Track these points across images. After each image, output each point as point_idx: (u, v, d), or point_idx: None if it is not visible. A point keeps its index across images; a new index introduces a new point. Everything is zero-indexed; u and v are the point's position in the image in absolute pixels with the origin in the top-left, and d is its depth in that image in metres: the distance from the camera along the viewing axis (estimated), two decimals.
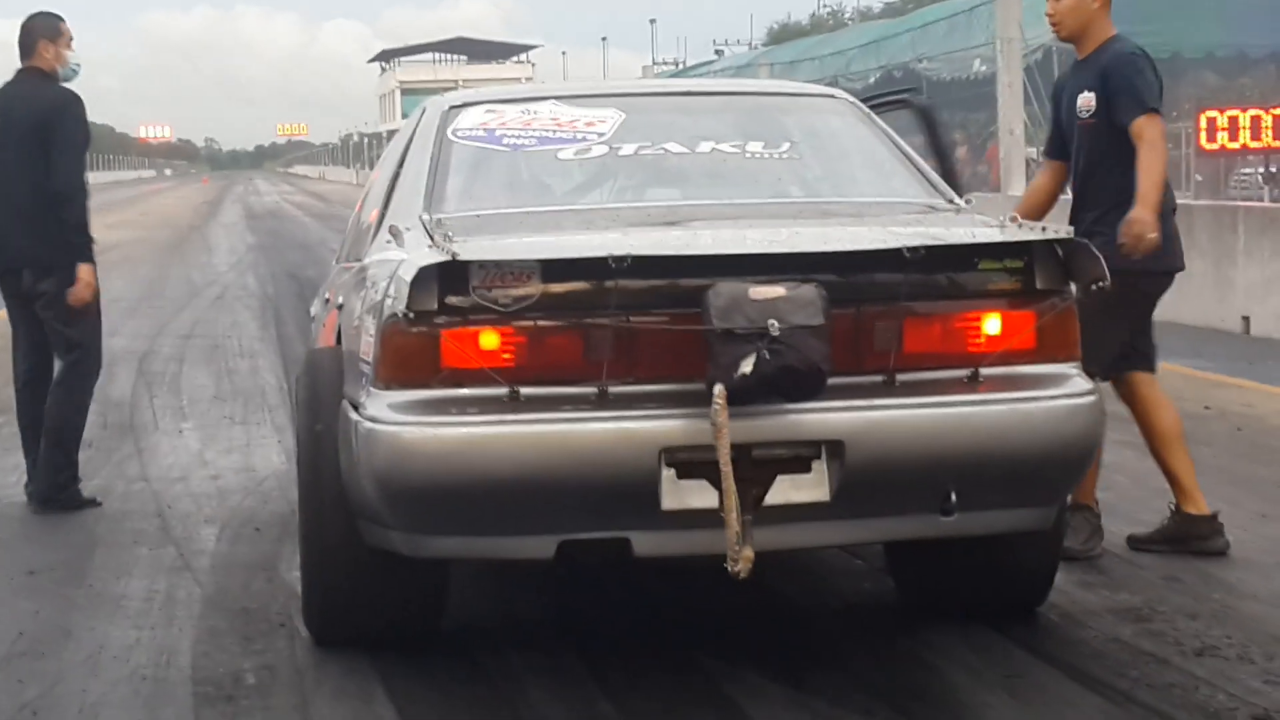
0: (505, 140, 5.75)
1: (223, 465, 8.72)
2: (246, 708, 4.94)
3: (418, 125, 6.04)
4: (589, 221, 5.26)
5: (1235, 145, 22.38)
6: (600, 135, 5.73)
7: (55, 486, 7.65)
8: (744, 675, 5.11)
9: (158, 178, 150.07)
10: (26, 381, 7.84)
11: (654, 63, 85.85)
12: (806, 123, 6.10)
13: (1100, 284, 4.90)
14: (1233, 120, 22.16)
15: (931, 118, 6.83)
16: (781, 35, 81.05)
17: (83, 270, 7.56)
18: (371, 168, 8.13)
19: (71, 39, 7.87)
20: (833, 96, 6.39)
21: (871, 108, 6.38)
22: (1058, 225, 4.84)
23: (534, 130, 5.77)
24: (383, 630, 5.32)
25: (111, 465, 8.48)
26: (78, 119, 7.70)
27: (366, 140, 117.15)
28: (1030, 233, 4.81)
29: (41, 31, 7.76)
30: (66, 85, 7.83)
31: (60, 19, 7.88)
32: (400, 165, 5.89)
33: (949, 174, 6.67)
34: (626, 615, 5.90)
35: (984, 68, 29.82)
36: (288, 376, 11.73)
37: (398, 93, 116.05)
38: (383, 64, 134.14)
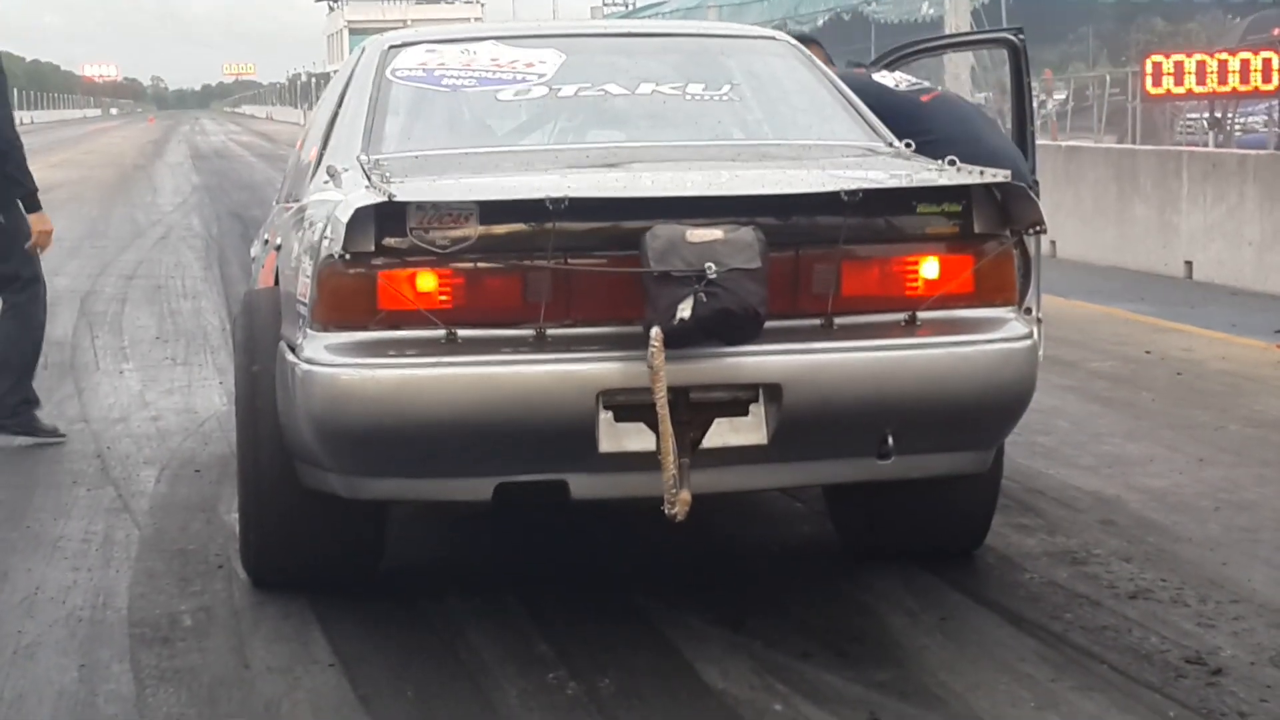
0: (444, 81, 5.71)
1: (163, 406, 8.68)
2: (183, 649, 4.93)
3: (357, 65, 6.00)
4: (528, 163, 5.23)
5: (1181, 90, 22.42)
6: (540, 76, 5.70)
7: (4, 410, 7.68)
8: (683, 618, 5.13)
9: (103, 117, 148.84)
10: None
11: (604, 3, 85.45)
12: (747, 65, 6.08)
13: (1038, 228, 4.92)
14: (1178, 65, 22.20)
15: (1025, 61, 6.87)
16: None
17: (36, 219, 7.69)
18: None
19: None
20: (774, 39, 6.37)
21: (971, 44, 6.50)
22: (995, 170, 4.84)
23: (473, 71, 5.73)
24: (321, 572, 5.31)
25: (51, 405, 8.42)
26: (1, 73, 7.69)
27: (314, 80, 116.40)
28: (968, 177, 4.81)
29: None
30: None
31: None
32: (339, 105, 5.85)
33: (1024, 116, 6.76)
34: (565, 558, 5.90)
35: (932, 10, 29.84)
36: (230, 318, 11.66)
37: (345, 32, 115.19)
38: (331, 4, 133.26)
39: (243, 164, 40.75)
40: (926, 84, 6.69)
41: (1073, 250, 15.69)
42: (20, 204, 7.71)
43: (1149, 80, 22.67)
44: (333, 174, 5.15)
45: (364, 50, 6.11)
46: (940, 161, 5.02)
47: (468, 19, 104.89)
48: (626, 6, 79.72)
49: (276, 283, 5.42)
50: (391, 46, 5.93)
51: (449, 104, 5.72)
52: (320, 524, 5.14)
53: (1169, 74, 22.14)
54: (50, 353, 10.01)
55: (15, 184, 7.65)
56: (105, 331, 11.47)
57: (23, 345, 7.82)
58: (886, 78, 6.57)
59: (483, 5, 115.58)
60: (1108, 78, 33.29)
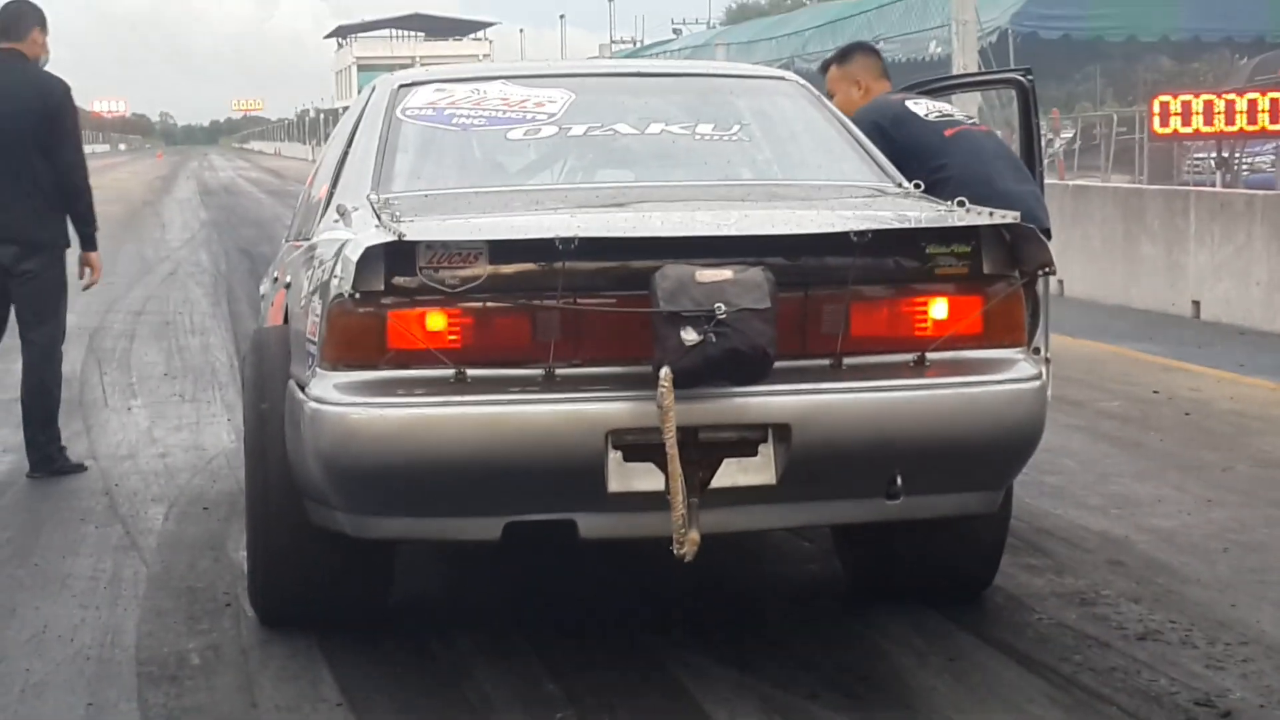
0: (454, 120, 5.73)
1: (171, 443, 8.68)
2: (191, 688, 4.92)
3: (367, 103, 6.02)
4: (537, 202, 5.24)
5: (1188, 130, 22.46)
6: (550, 115, 5.72)
7: (45, 460, 7.83)
8: (690, 658, 5.12)
9: (112, 152, 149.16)
10: None
11: (611, 41, 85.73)
12: (757, 105, 6.09)
13: (1047, 269, 4.92)
14: (1186, 105, 22.24)
15: (1034, 101, 6.90)
16: (739, 15, 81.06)
17: (93, 259, 8.06)
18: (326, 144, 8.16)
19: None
20: (783, 79, 6.38)
21: (979, 85, 6.53)
22: (1004, 211, 4.85)
23: (483, 110, 5.75)
24: (329, 611, 5.31)
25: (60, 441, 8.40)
26: (74, 110, 7.89)
27: (323, 116, 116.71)
28: (977, 218, 4.82)
29: (36, 19, 7.87)
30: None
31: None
32: (349, 144, 5.87)
33: (1033, 157, 6.78)
34: (573, 597, 5.90)
35: (940, 50, 29.91)
36: (239, 354, 11.66)
37: (354, 69, 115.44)
38: (339, 40, 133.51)
39: (251, 200, 40.82)
40: (957, 116, 6.65)
41: (1080, 289, 15.69)
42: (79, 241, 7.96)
43: (1156, 120, 22.72)
44: (343, 213, 5.16)
45: (374, 89, 6.13)
46: (950, 202, 5.02)
47: (476, 56, 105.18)
48: (634, 44, 80.00)
49: (286, 321, 5.43)
50: (401, 85, 5.95)
51: (459, 143, 5.73)
52: (328, 562, 5.13)
53: (1176, 114, 22.18)
54: None
55: (83, 223, 7.90)
56: (114, 368, 11.48)
57: (53, 389, 7.94)
58: (919, 104, 6.58)
59: (491, 42, 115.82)
60: (1115, 117, 33.36)
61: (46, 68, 7.98)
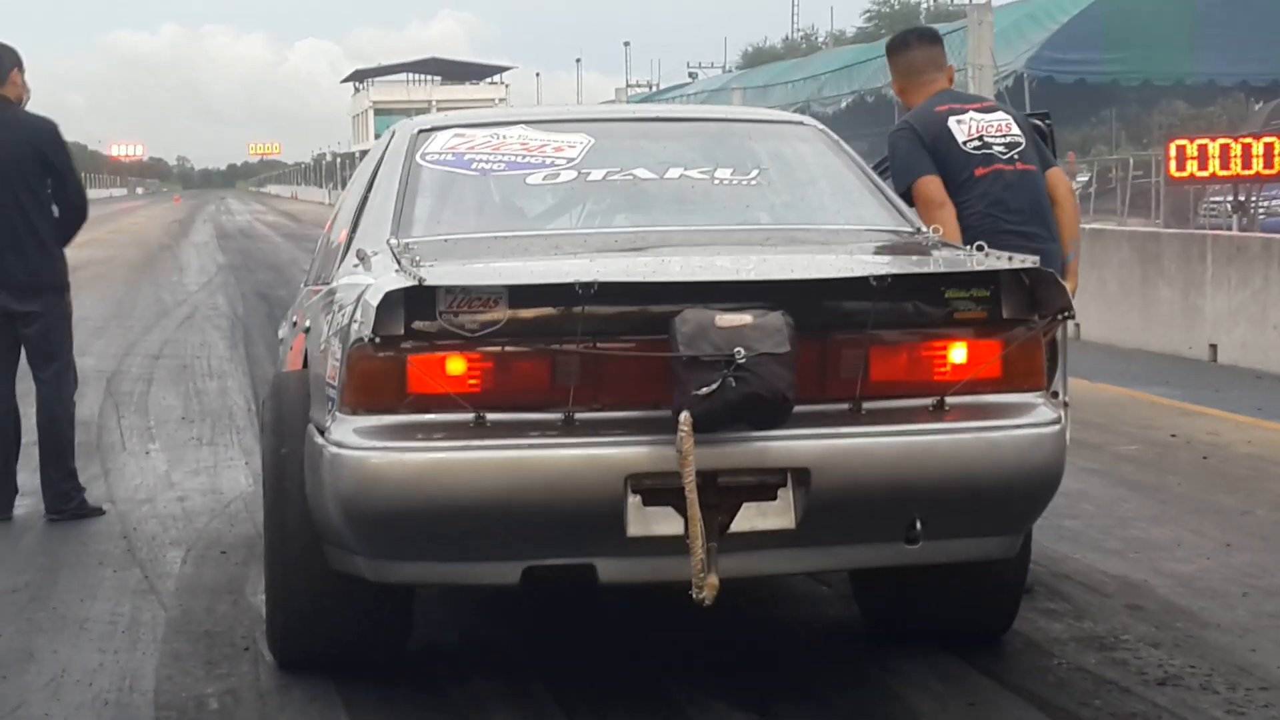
0: (474, 165, 5.75)
1: (189, 487, 8.69)
2: None
3: (387, 148, 6.04)
4: (557, 247, 5.25)
5: (1204, 174, 22.47)
6: (569, 160, 5.74)
7: (61, 498, 7.86)
8: (710, 702, 5.11)
9: (129, 196, 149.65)
10: None
11: (627, 85, 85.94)
12: (775, 149, 6.11)
13: (1066, 314, 4.92)
14: (1202, 149, 22.24)
15: (1053, 146, 6.81)
16: (755, 58, 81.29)
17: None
18: (344, 188, 8.19)
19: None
20: (801, 123, 6.40)
21: None
22: (1024, 255, 4.85)
23: (503, 155, 5.77)
24: (347, 655, 5.31)
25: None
26: (65, 145, 7.97)
27: (339, 160, 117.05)
28: (997, 262, 4.82)
29: (13, 61, 7.91)
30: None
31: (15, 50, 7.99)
32: (369, 188, 5.89)
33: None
34: (592, 641, 5.89)
35: None
36: (256, 398, 11.69)
37: (371, 113, 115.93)
38: (356, 84, 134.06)
39: (268, 244, 40.93)
40: (997, 148, 6.42)
41: (1097, 333, 15.67)
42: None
43: (1173, 164, 22.72)
44: (362, 257, 5.18)
45: (394, 134, 6.16)
46: (969, 246, 5.03)
47: (492, 100, 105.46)
48: (651, 88, 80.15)
49: (305, 365, 5.44)
50: (421, 130, 5.97)
51: (478, 188, 5.76)
52: (347, 607, 5.13)
53: (1192, 158, 22.19)
54: (77, 433, 10.05)
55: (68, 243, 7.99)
56: (131, 412, 11.50)
57: (65, 429, 7.96)
58: (963, 124, 6.43)
59: (507, 86, 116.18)
60: (1131, 160, 33.38)
61: (29, 106, 8.04)
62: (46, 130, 7.85)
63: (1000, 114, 6.51)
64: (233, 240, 43.12)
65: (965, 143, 6.33)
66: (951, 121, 6.40)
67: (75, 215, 7.95)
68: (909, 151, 6.31)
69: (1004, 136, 6.39)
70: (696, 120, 6.80)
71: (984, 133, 6.37)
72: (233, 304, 21.09)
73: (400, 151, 5.86)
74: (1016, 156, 6.36)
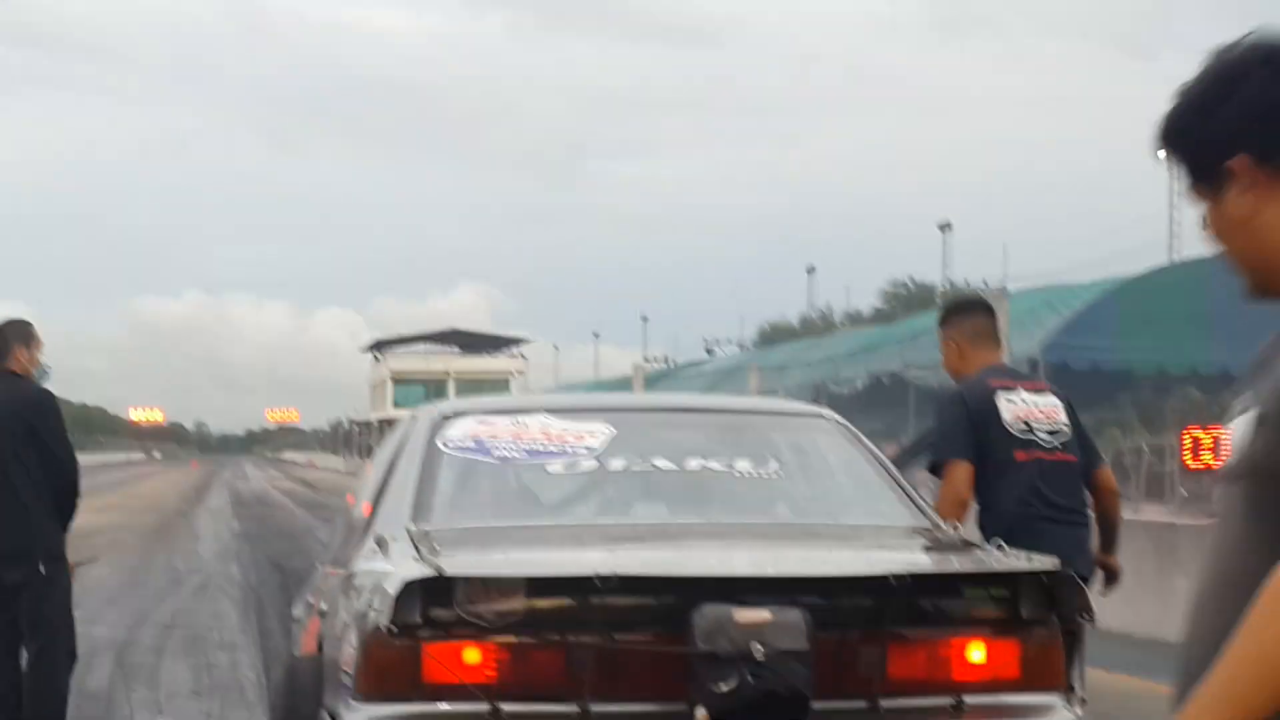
0: (495, 452, 5.78)
1: None
2: None
3: (409, 432, 6.09)
4: (576, 538, 5.27)
5: (1219, 463, 22.49)
6: (590, 449, 5.77)
7: None
8: None
9: (147, 460, 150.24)
10: None
11: (645, 360, 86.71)
12: (794, 441, 6.15)
13: (1085, 615, 4.91)
14: (1216, 438, 22.31)
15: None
16: (772, 335, 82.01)
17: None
18: (361, 455, 8.27)
19: (41, 344, 8.12)
20: (820, 415, 6.45)
21: None
22: (1044, 556, 4.86)
23: (524, 443, 5.81)
24: None
25: None
26: (58, 414, 8.05)
27: (356, 428, 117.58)
28: (1016, 562, 4.83)
29: (16, 336, 8.00)
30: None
31: (30, 325, 8.12)
32: (389, 472, 5.92)
33: None
34: None
35: None
36: (268, 672, 11.60)
37: (389, 382, 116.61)
38: (375, 353, 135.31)
39: (283, 511, 40.95)
40: (1041, 433, 6.42)
41: (1113, 622, 15.53)
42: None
43: (1189, 454, 22.77)
44: (381, 543, 5.19)
45: (416, 418, 6.21)
46: (989, 543, 5.04)
47: (510, 372, 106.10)
48: (668, 363, 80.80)
49: (319, 649, 5.42)
50: (444, 416, 6.02)
51: (498, 476, 5.78)
52: None
53: (1208, 448, 22.24)
54: (85, 705, 9.98)
55: (70, 511, 7.97)
56: (141, 685, 11.40)
57: (50, 706, 7.80)
58: (1012, 402, 6.43)
59: (525, 359, 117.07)
60: (1145, 447, 33.45)
61: (47, 378, 8.16)
62: (35, 401, 7.94)
63: (1050, 398, 6.55)
64: (248, 507, 43.15)
65: (1010, 423, 6.36)
66: (1001, 398, 6.43)
67: (64, 486, 7.90)
68: (953, 427, 6.37)
69: (1049, 423, 6.42)
70: (716, 411, 6.86)
71: (1030, 417, 6.40)
72: (246, 573, 21.03)
73: (422, 436, 5.90)
74: (1059, 445, 6.38)
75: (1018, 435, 6.34)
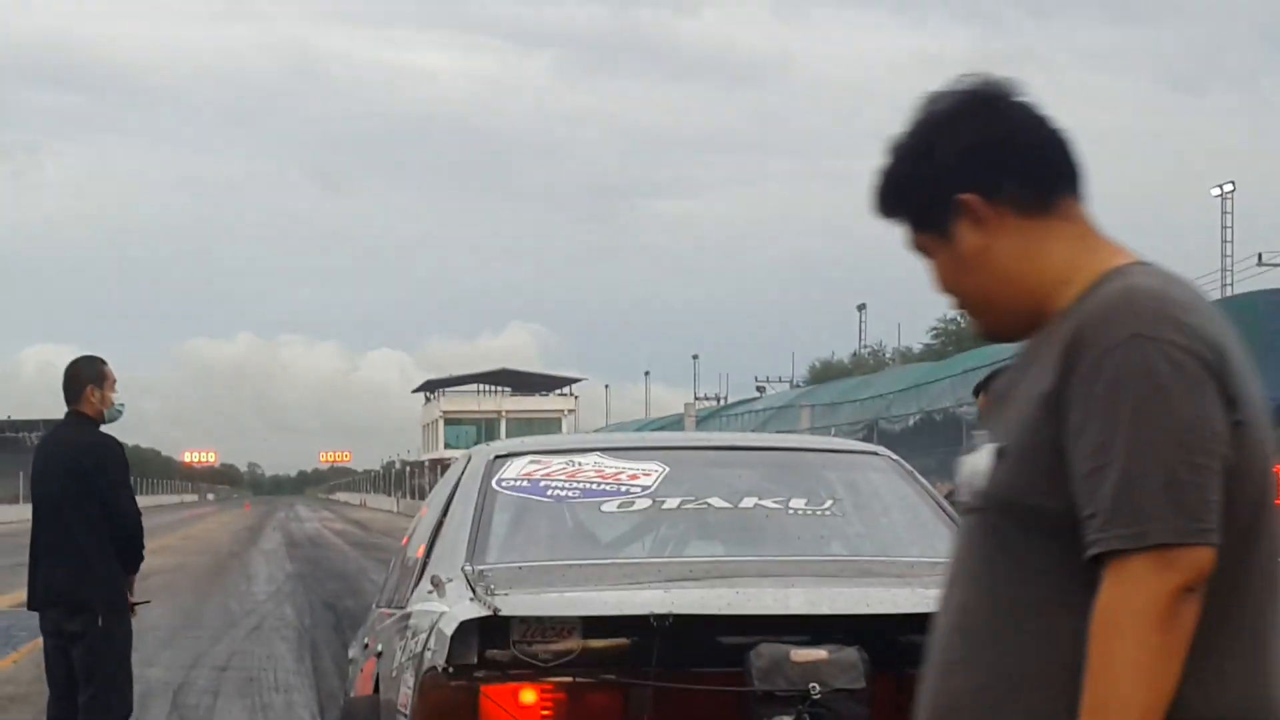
0: (549, 491, 5.78)
1: None
2: None
3: (463, 472, 6.09)
4: (631, 576, 5.26)
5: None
6: (644, 489, 5.77)
7: None
8: None
9: (200, 502, 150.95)
10: (58, 715, 7.88)
11: (696, 398, 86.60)
12: (849, 479, 6.13)
13: None
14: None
15: None
16: (823, 374, 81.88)
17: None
18: (413, 496, 8.27)
19: (115, 381, 8.05)
20: (875, 453, 6.44)
21: None
22: None
23: (578, 482, 5.81)
24: None
25: None
26: (119, 462, 7.94)
27: (408, 469, 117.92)
28: None
29: (88, 377, 7.96)
30: (108, 427, 8.03)
31: (103, 362, 8.06)
32: (444, 513, 5.92)
33: None
34: None
35: None
36: (324, 713, 11.62)
37: (441, 422, 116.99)
38: (427, 394, 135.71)
39: (336, 552, 41.04)
40: None
41: None
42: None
43: None
44: (437, 584, 5.20)
45: (470, 458, 6.21)
46: None
47: (561, 410, 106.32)
48: (718, 401, 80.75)
49: (375, 690, 5.42)
50: (498, 456, 6.02)
51: (553, 515, 5.78)
52: None
53: None
54: None
55: (128, 564, 7.88)
56: None
57: None
58: None
59: (576, 398, 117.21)
60: None
61: (121, 416, 8.08)
62: (99, 451, 7.85)
63: None
64: (301, 548, 43.27)
65: None
66: None
67: (123, 537, 7.82)
68: None
69: None
70: (770, 449, 6.85)
71: None
72: (300, 614, 21.07)
73: (477, 476, 5.91)
74: None
75: None
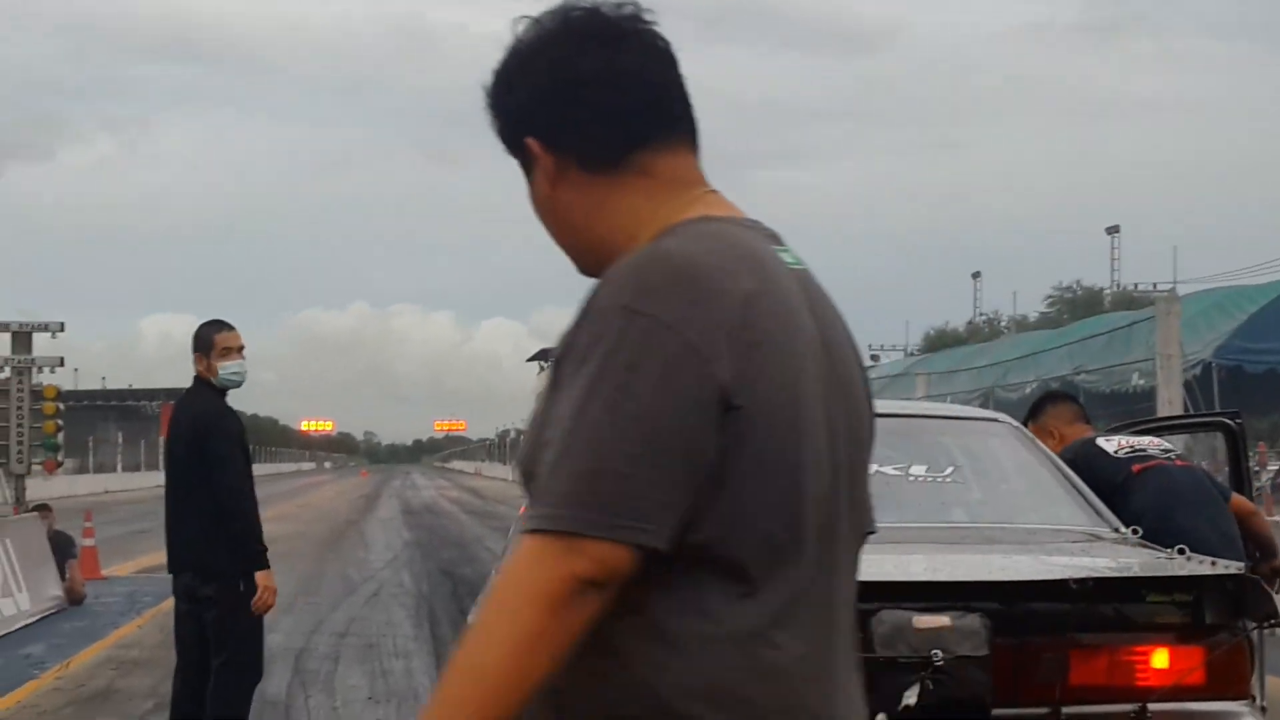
0: None
1: None
2: None
3: None
4: None
5: None
6: None
7: None
8: None
9: (317, 470, 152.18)
10: (185, 680, 7.95)
11: None
12: (970, 446, 6.11)
13: (1272, 621, 4.83)
14: None
15: (1243, 446, 6.96)
16: (938, 341, 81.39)
17: (260, 577, 7.76)
18: None
19: (227, 349, 7.91)
20: (996, 420, 6.41)
21: (1186, 428, 6.58)
22: (1228, 560, 4.78)
23: None
24: None
25: None
26: (225, 434, 7.87)
27: (523, 437, 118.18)
28: (1199, 567, 4.76)
29: (196, 344, 7.95)
30: (224, 394, 7.98)
31: (218, 328, 7.96)
32: None
33: (1243, 496, 6.79)
34: None
35: (1142, 382, 29.74)
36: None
37: None
38: (540, 363, 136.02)
39: (452, 520, 41.29)
40: (1151, 451, 6.54)
41: None
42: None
43: None
44: None
45: None
46: (1170, 549, 4.97)
47: None
48: None
49: None
50: None
51: None
52: None
53: None
54: (265, 712, 10.16)
55: (239, 545, 7.75)
56: (318, 691, 11.57)
57: (226, 713, 7.85)
58: (1110, 441, 6.56)
59: None
60: None
61: (239, 383, 7.94)
62: (203, 421, 7.81)
63: (1148, 438, 6.78)
64: (418, 516, 43.57)
65: (1115, 452, 6.44)
66: (1100, 440, 6.66)
67: (223, 509, 7.72)
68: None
69: (1157, 447, 6.59)
70: (890, 416, 6.82)
71: (1134, 444, 6.54)
72: (418, 581, 21.23)
73: None
74: (1175, 455, 6.48)
75: (1127, 457, 6.51)
